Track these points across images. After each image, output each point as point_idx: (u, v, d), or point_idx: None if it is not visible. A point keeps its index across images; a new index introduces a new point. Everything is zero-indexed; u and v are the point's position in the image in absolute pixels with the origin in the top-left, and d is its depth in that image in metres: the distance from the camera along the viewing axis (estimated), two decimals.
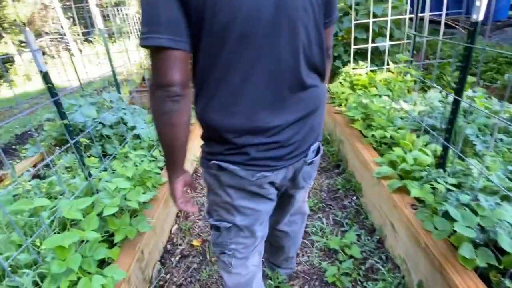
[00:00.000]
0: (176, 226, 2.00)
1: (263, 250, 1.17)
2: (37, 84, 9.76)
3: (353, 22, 2.81)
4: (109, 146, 2.51)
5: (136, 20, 7.34)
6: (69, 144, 1.45)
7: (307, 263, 1.64)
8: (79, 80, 5.24)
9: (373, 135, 2.00)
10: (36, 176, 2.36)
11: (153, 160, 2.19)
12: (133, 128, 2.60)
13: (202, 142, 0.90)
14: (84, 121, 2.39)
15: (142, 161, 2.06)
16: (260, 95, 0.78)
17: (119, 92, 2.93)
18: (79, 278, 1.15)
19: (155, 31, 0.66)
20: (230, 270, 1.07)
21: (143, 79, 4.71)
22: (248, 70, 0.75)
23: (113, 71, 2.82)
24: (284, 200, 1.09)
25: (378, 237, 1.71)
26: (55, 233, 1.32)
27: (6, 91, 10.95)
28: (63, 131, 2.52)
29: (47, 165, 2.49)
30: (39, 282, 1.15)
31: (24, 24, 15.04)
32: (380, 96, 2.42)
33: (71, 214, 1.25)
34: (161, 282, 1.60)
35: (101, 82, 7.03)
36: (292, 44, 0.76)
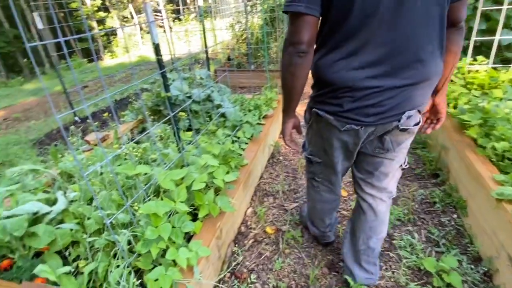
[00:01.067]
0: (251, 209, 2.00)
1: (341, 183, 1.36)
2: (132, 57, 10.86)
3: (480, 7, 2.35)
4: (196, 121, 2.61)
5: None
6: (169, 116, 1.51)
7: (391, 279, 1.46)
8: (171, 56, 5.59)
9: (493, 147, 1.66)
10: (131, 140, 2.60)
11: (236, 141, 2.20)
12: (219, 106, 2.65)
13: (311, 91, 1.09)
14: (176, 95, 2.51)
15: (226, 139, 2.08)
16: (370, 60, 0.88)
17: (209, 70, 3.00)
18: (167, 247, 1.19)
19: (297, 0, 0.85)
20: (317, 191, 1.37)
21: (228, 58, 4.80)
22: (365, 38, 0.87)
23: (206, 51, 2.89)
24: (372, 161, 1.15)
25: (485, 269, 1.43)
26: (150, 199, 1.40)
27: (109, 60, 12.51)
28: (158, 102, 2.71)
29: (141, 132, 2.72)
30: (132, 242, 1.23)
31: (128, 1, 16.78)
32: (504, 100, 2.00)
33: (166, 184, 1.30)
34: (233, 263, 1.61)
35: (188, 59, 7.50)
36: (412, 17, 0.84)
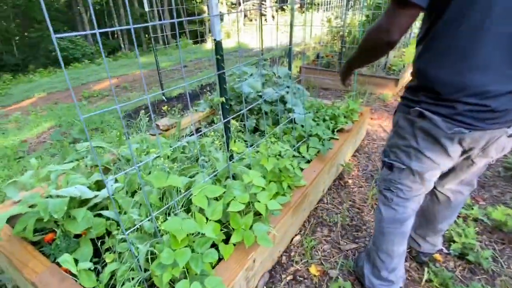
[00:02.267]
0: (298, 237, 1.74)
1: (421, 202, 1.22)
2: (232, 42, 11.25)
3: None
4: (263, 122, 2.43)
5: None
6: (224, 121, 1.35)
7: None
8: (261, 48, 5.47)
9: None
10: (196, 130, 2.58)
11: (297, 156, 1.94)
12: (290, 110, 2.41)
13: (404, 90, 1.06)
14: (248, 92, 2.36)
15: (286, 152, 1.84)
16: (487, 59, 0.83)
17: (290, 68, 2.77)
18: (184, 273, 1.05)
19: None
20: (389, 205, 1.20)
21: (317, 56, 4.45)
22: (480, 33, 0.81)
23: (290, 48, 2.65)
24: (464, 164, 1.12)
25: None
26: (182, 210, 1.28)
27: (211, 44, 13.31)
28: (230, 96, 2.61)
29: (210, 124, 2.69)
30: (153, 252, 1.13)
31: None
32: None
33: (199, 201, 1.16)
34: None
35: (279, 51, 7.37)
36: None
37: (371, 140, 2.81)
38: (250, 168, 1.59)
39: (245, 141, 2.34)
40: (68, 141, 3.28)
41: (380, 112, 3.37)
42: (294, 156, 1.87)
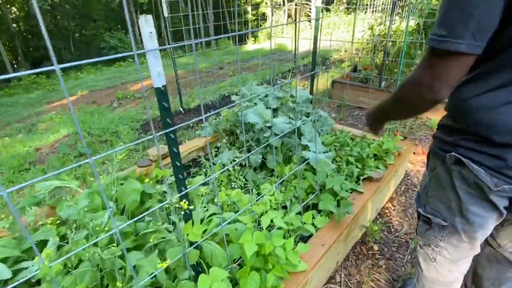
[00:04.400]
0: None
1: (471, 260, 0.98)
2: (272, 45, 10.84)
3: None
4: (271, 158, 1.99)
5: None
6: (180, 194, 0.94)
7: None
8: (295, 53, 4.99)
9: None
10: (193, 160, 2.21)
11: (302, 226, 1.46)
12: (305, 147, 1.94)
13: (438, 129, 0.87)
14: (254, 122, 1.93)
15: (283, 220, 1.39)
16: None
17: (312, 92, 2.28)
18: None
19: (456, 34, 0.61)
20: (431, 264, 0.99)
21: (355, 69, 3.86)
22: None
23: (313, 62, 2.16)
24: None
25: None
26: None
27: (251, 45, 13.07)
28: (236, 122, 2.20)
29: (215, 153, 2.30)
30: None
31: None
32: None
33: None
34: None
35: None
36: None
37: (411, 185, 2.22)
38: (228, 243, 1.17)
39: (246, 180, 1.92)
40: (74, 155, 3.12)
41: (426, 145, 2.73)
42: (291, 228, 1.40)
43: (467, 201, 0.81)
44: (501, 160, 0.71)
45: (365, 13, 7.03)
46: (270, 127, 1.93)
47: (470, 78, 0.73)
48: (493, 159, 0.72)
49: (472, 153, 0.75)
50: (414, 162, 2.49)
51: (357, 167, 1.85)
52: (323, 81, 4.37)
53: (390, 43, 3.42)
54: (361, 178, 1.77)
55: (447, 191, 0.84)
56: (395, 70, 3.45)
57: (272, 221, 1.31)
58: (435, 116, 3.12)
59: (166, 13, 3.53)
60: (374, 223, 1.85)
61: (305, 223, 1.37)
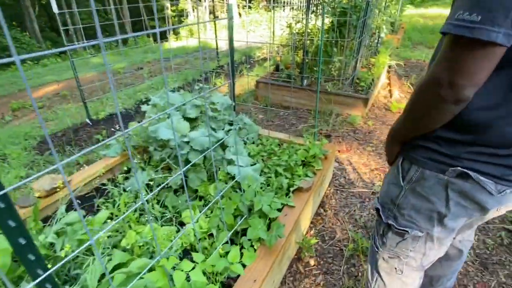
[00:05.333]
0: None
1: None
2: (196, 41, 10.37)
3: None
4: (194, 177, 1.74)
5: None
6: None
7: None
8: (217, 52, 4.72)
9: None
10: (97, 188, 1.84)
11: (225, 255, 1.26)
12: (230, 162, 1.74)
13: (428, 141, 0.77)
14: (167, 139, 1.66)
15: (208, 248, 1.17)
16: None
17: (233, 98, 2.09)
18: None
19: (492, 20, 0.51)
20: (398, 276, 0.96)
21: (277, 68, 3.81)
22: None
23: (232, 66, 1.98)
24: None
25: None
26: None
27: (173, 42, 12.34)
28: (148, 138, 1.89)
29: (125, 175, 1.93)
30: None
31: None
32: None
33: None
34: None
35: (240, 53, 6.67)
36: None
37: (339, 186, 2.21)
38: None
39: (165, 207, 1.65)
40: None
41: (349, 142, 2.80)
42: (215, 271, 1.19)
43: (455, 213, 0.79)
44: (506, 168, 0.71)
45: (283, 10, 7.16)
46: (188, 142, 1.68)
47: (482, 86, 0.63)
48: (502, 168, 0.71)
49: (481, 165, 0.71)
50: (340, 160, 2.52)
51: (286, 178, 1.73)
52: (248, 81, 4.25)
53: (309, 42, 3.45)
54: (291, 189, 1.66)
55: (434, 203, 0.80)
56: (315, 68, 3.50)
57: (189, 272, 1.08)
58: (355, 112, 3.26)
59: (55, 9, 2.94)
60: (308, 235, 1.76)
61: (232, 263, 1.17)
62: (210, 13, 17.22)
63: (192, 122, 1.98)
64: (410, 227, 0.86)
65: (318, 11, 3.61)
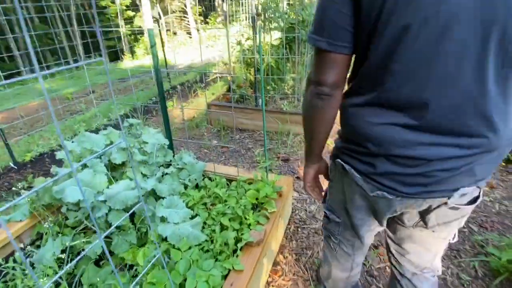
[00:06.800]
0: None
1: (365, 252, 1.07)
2: (150, 60, 9.94)
3: None
4: (120, 241, 1.41)
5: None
6: None
7: None
8: (167, 73, 4.40)
9: None
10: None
11: None
12: (163, 219, 1.43)
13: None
14: (75, 201, 1.31)
15: None
16: (414, 112, 0.67)
17: (169, 134, 1.78)
18: None
19: (317, 32, 0.70)
20: (333, 253, 1.08)
21: (228, 89, 3.57)
22: (412, 83, 0.64)
23: (162, 95, 1.68)
24: (410, 235, 0.92)
25: None
26: None
27: (128, 62, 11.74)
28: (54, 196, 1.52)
29: (36, 243, 1.53)
30: None
31: (155, 1, 16.10)
32: None
33: None
34: None
35: (195, 71, 6.38)
36: (480, 64, 0.60)
37: (300, 222, 1.97)
38: None
39: (81, 285, 1.30)
40: None
41: None
42: None
43: (351, 205, 0.88)
44: (372, 167, 0.74)
45: (240, 25, 7.01)
46: (105, 201, 1.34)
47: (350, 90, 0.78)
48: (366, 166, 0.76)
49: (352, 160, 0.79)
50: (299, 188, 2.29)
51: (234, 229, 1.45)
52: (202, 101, 3.97)
53: (258, 60, 3.25)
54: (240, 245, 1.38)
55: (339, 192, 0.91)
56: (268, 87, 3.30)
57: None
58: None
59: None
60: None
61: None
62: (167, 30, 16.79)
63: (118, 169, 1.64)
64: (331, 211, 0.99)
65: (265, 27, 3.44)
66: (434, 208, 0.78)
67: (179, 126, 3.61)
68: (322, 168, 0.97)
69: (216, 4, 16.29)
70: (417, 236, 0.91)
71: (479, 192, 0.76)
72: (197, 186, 1.79)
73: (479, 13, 0.56)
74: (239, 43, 3.62)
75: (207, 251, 1.37)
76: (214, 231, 1.45)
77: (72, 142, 1.71)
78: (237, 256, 1.34)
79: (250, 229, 1.45)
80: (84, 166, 1.50)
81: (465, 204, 0.75)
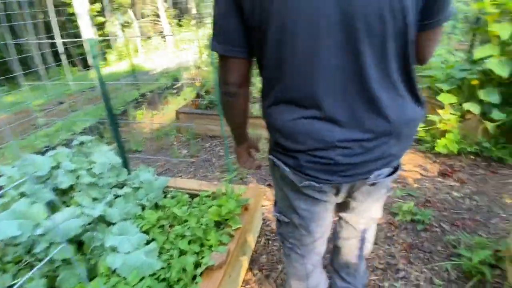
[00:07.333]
0: None
1: (323, 252, 1.08)
2: (126, 65, 9.58)
3: None
4: (67, 275, 1.27)
5: None
6: None
7: None
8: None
9: None
10: None
11: None
12: (113, 249, 1.30)
13: None
14: (7, 238, 1.16)
15: None
16: (315, 106, 0.73)
17: (123, 153, 1.65)
18: None
19: (214, 38, 0.76)
20: (289, 259, 1.08)
21: (197, 95, 3.44)
22: (302, 81, 0.71)
23: (112, 119, 1.55)
24: (345, 207, 1.00)
25: None
26: None
27: (102, 69, 11.28)
28: None
29: None
30: None
31: (128, 5, 15.62)
32: None
33: None
34: None
35: (168, 76, 6.19)
36: (356, 53, 0.66)
37: (271, 234, 1.88)
38: None
39: None
40: None
41: None
42: None
43: (292, 198, 0.89)
44: (296, 160, 0.79)
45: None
46: (43, 235, 1.20)
47: (262, 89, 0.83)
48: (291, 159, 0.80)
49: (280, 155, 0.83)
50: (271, 197, 2.21)
51: (194, 253, 1.34)
52: (173, 108, 3.82)
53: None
54: (200, 270, 1.27)
55: (279, 191, 0.94)
56: None
57: None
58: None
59: None
60: None
61: None
62: (142, 34, 16.33)
63: (64, 194, 1.50)
64: (280, 212, 0.99)
65: None
66: (358, 187, 0.87)
67: (148, 136, 3.45)
68: (251, 143, 1.09)
69: (189, 6, 16.03)
70: (355, 209, 0.99)
71: (396, 168, 0.85)
72: (157, 206, 1.66)
73: (341, 6, 0.61)
74: (205, 46, 3.49)
75: (163, 279, 1.25)
76: (172, 256, 1.34)
77: (13, 167, 1.55)
78: (196, 283, 1.23)
79: (212, 251, 1.34)
80: (21, 194, 1.35)
81: (385, 177, 0.83)
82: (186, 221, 1.49)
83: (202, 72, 4.14)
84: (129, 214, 1.52)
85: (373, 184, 0.84)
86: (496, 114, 2.27)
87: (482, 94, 2.30)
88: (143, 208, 1.61)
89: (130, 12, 15.35)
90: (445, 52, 3.33)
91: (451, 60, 3.02)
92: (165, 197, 1.72)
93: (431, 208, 1.95)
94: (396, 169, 0.85)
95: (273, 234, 1.87)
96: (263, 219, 1.98)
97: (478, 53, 2.35)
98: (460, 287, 1.45)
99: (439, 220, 1.87)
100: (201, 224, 1.44)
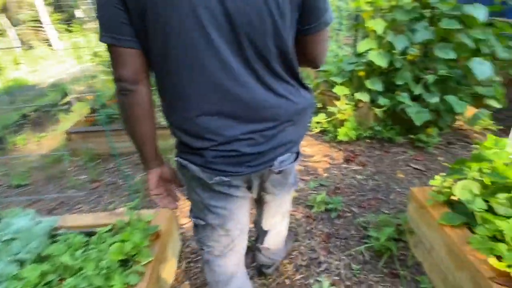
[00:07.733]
0: None
1: (243, 249, 1.09)
2: (3, 81, 7.92)
3: None
4: None
5: None
6: None
7: None
8: None
9: None
10: None
11: None
12: None
13: None
14: None
15: None
16: (208, 101, 0.74)
17: None
18: None
19: (102, 29, 0.71)
20: (208, 267, 1.06)
21: (92, 110, 3.02)
22: (190, 76, 0.72)
23: None
24: (261, 202, 1.10)
25: None
26: None
27: None
28: None
29: None
30: None
31: None
32: None
33: None
34: None
35: (59, 91, 5.33)
36: (240, 51, 0.70)
37: (192, 255, 1.73)
38: None
39: None
40: None
41: None
42: None
43: (205, 197, 0.89)
44: (202, 156, 0.80)
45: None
46: None
47: (159, 89, 0.81)
48: (197, 156, 0.81)
49: (187, 155, 0.83)
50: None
51: None
52: (65, 127, 3.26)
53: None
54: None
55: (191, 193, 0.93)
56: None
57: None
58: None
59: None
60: None
61: None
62: (23, 43, 13.77)
63: None
64: (196, 217, 0.96)
65: None
66: (267, 177, 0.91)
67: (34, 165, 2.88)
68: (166, 173, 0.95)
69: (74, 9, 14.23)
70: (268, 201, 1.07)
71: (296, 155, 0.93)
72: (41, 257, 1.34)
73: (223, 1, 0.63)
74: (95, 54, 3.08)
75: None
76: None
77: None
78: None
79: None
80: None
81: (288, 164, 0.89)
82: (81, 269, 1.23)
83: (97, 82, 3.67)
84: (0, 276, 1.19)
85: (279, 172, 0.89)
86: (382, 100, 2.56)
87: (368, 84, 2.57)
88: (22, 263, 1.28)
89: (0, 18, 12.83)
90: (336, 47, 3.65)
91: (341, 55, 3.32)
92: (53, 242, 1.40)
93: (341, 195, 2.08)
94: (297, 155, 0.93)
95: (194, 255, 1.73)
96: (182, 240, 1.81)
97: (360, 47, 2.61)
98: (374, 267, 1.57)
99: (349, 204, 2.01)
100: (101, 269, 1.21)
